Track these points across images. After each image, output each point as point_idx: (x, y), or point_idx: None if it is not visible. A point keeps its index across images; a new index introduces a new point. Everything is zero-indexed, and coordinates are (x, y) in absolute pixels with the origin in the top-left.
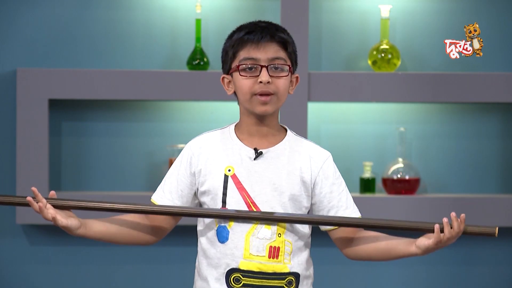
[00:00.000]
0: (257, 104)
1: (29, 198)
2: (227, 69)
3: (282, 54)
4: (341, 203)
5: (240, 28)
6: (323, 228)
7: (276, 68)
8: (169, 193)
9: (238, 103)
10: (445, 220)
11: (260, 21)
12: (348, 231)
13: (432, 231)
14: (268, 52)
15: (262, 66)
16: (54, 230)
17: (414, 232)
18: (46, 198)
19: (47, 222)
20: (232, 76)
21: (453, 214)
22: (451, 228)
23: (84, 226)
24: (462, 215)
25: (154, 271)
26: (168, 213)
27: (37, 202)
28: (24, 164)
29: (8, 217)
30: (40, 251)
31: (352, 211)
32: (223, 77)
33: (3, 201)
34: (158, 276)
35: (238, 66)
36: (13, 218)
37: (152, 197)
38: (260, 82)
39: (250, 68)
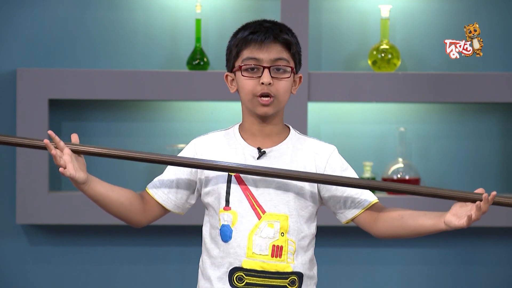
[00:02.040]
0: (257, 106)
1: (46, 141)
2: (231, 67)
3: (285, 55)
4: (355, 190)
5: (245, 27)
6: (345, 220)
7: (278, 70)
8: (165, 186)
9: (241, 103)
10: (478, 205)
11: (265, 21)
12: (372, 213)
13: (470, 200)
14: (271, 53)
15: (264, 67)
16: (54, 230)
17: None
18: (66, 143)
19: (47, 222)
20: (235, 75)
21: (485, 196)
22: (481, 208)
23: (89, 183)
24: (493, 193)
25: (154, 271)
26: (184, 164)
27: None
28: (24, 164)
29: (8, 217)
30: (40, 251)
31: (367, 196)
32: (227, 75)
33: (18, 142)
34: (158, 276)
35: (240, 66)
36: (13, 218)
37: (147, 186)
38: (262, 83)
39: (252, 69)
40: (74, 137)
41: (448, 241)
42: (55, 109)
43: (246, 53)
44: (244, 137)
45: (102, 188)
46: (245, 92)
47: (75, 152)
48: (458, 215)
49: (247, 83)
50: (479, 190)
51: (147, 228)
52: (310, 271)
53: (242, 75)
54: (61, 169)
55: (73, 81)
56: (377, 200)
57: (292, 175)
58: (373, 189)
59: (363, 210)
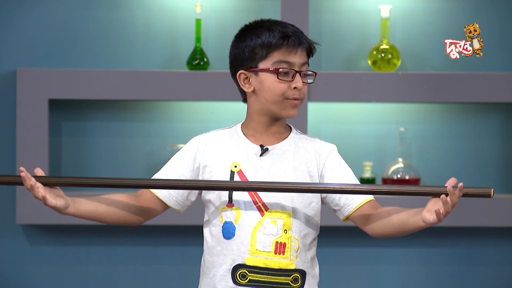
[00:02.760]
0: (286, 107)
1: (23, 175)
2: (249, 67)
3: (307, 59)
4: None
5: (268, 28)
6: (342, 218)
7: (305, 75)
8: None
9: (247, 101)
10: (443, 199)
11: (285, 23)
12: (365, 211)
13: (436, 195)
14: (300, 57)
15: (296, 71)
16: (54, 230)
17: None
18: (34, 176)
19: (47, 222)
20: (255, 75)
21: (450, 189)
22: (450, 200)
23: (73, 205)
24: (460, 184)
25: (154, 271)
26: (163, 186)
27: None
28: (24, 164)
29: (8, 217)
30: (40, 251)
31: (361, 195)
32: (240, 73)
33: None
34: (158, 276)
35: (276, 69)
36: (13, 218)
37: None
38: (295, 88)
39: (286, 73)
40: (39, 171)
41: (448, 241)
42: (55, 109)
43: (277, 56)
44: (246, 134)
45: (88, 206)
46: (275, 94)
47: (45, 184)
48: (432, 211)
49: (279, 86)
50: (451, 181)
51: (147, 228)
52: (312, 270)
53: (278, 78)
54: (43, 201)
55: (73, 81)
56: (372, 198)
57: (290, 188)
58: (344, 193)
59: (356, 208)
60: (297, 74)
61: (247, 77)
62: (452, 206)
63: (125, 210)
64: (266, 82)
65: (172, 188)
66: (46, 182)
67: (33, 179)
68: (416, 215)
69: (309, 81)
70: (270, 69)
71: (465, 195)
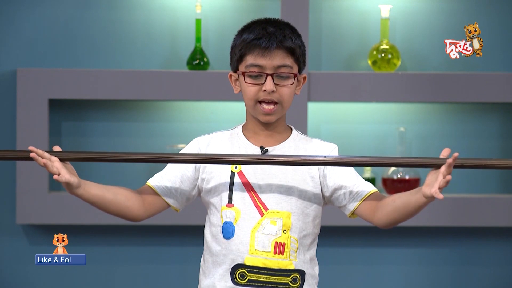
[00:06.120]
0: (260, 113)
1: (33, 155)
2: (234, 68)
3: (288, 61)
4: (352, 183)
5: (249, 29)
6: (348, 213)
7: (281, 77)
8: (168, 180)
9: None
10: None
11: (269, 23)
12: (370, 203)
13: (435, 166)
14: (274, 59)
15: (267, 74)
16: (54, 230)
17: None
18: (49, 151)
19: (47, 222)
20: (238, 77)
21: (450, 161)
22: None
23: (83, 187)
24: (455, 154)
25: (154, 271)
26: (182, 161)
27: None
28: (24, 164)
29: (8, 217)
30: (40, 251)
31: (365, 187)
32: (231, 75)
33: (5, 156)
34: (158, 276)
35: (244, 72)
36: (13, 218)
37: (148, 180)
38: (265, 90)
39: (256, 76)
40: (57, 148)
41: (448, 241)
42: (55, 109)
43: (249, 59)
44: (247, 136)
45: (97, 189)
46: (248, 98)
47: (61, 160)
48: (431, 184)
49: (250, 89)
50: (444, 152)
51: (147, 228)
52: (312, 270)
53: (245, 82)
54: (55, 176)
55: (73, 81)
56: (375, 190)
57: (297, 161)
58: (346, 165)
59: (361, 201)
60: (268, 77)
61: (236, 79)
62: (448, 174)
63: (129, 202)
64: (242, 86)
65: (184, 162)
66: (63, 157)
67: (46, 154)
68: (418, 193)
69: (287, 82)
70: (241, 72)
71: (459, 166)
